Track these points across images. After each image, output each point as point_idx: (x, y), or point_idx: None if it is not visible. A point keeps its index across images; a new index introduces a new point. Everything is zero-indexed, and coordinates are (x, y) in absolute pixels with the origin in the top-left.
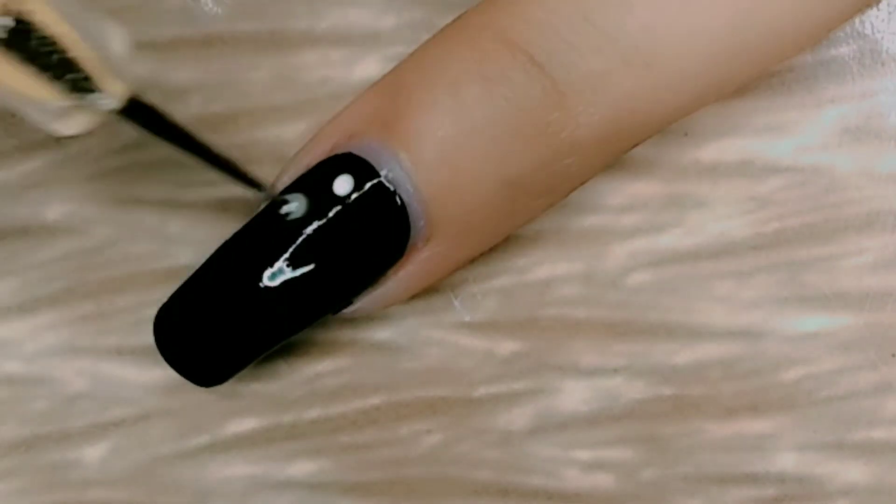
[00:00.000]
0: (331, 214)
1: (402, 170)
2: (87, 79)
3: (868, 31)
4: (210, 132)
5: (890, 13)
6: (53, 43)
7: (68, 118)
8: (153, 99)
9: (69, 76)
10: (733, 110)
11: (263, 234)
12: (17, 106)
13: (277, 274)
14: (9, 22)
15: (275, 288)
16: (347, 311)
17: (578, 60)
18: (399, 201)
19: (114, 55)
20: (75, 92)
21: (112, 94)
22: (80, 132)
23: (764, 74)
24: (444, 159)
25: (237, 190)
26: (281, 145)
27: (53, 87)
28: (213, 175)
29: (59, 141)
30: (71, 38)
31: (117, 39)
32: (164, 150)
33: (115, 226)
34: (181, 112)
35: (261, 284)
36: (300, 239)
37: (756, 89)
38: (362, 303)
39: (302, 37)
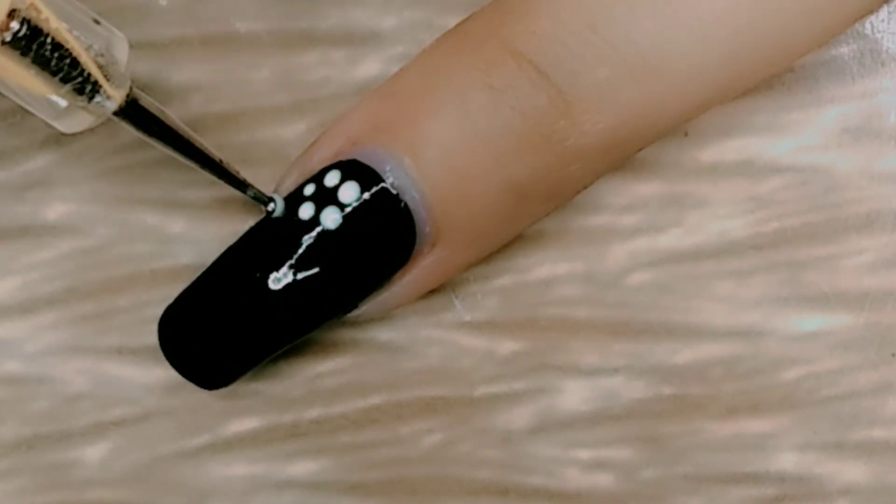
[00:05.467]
0: (336, 221)
1: (407, 176)
2: (90, 82)
3: (868, 31)
4: (210, 132)
5: (890, 13)
6: (60, 47)
7: (71, 117)
8: (154, 98)
9: (73, 79)
10: (733, 110)
11: (269, 238)
12: (24, 103)
13: (283, 278)
14: (19, 27)
15: (280, 292)
16: (353, 314)
17: (584, 70)
18: (405, 208)
19: (116, 60)
20: (78, 94)
21: (112, 97)
22: (81, 130)
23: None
24: (449, 166)
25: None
26: (281, 145)
27: (58, 88)
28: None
29: (60, 141)
30: (76, 44)
31: (120, 46)
32: (166, 150)
33: (116, 225)
34: (181, 112)
35: (266, 288)
36: (306, 244)
37: (756, 89)
38: (368, 307)
39: (303, 37)
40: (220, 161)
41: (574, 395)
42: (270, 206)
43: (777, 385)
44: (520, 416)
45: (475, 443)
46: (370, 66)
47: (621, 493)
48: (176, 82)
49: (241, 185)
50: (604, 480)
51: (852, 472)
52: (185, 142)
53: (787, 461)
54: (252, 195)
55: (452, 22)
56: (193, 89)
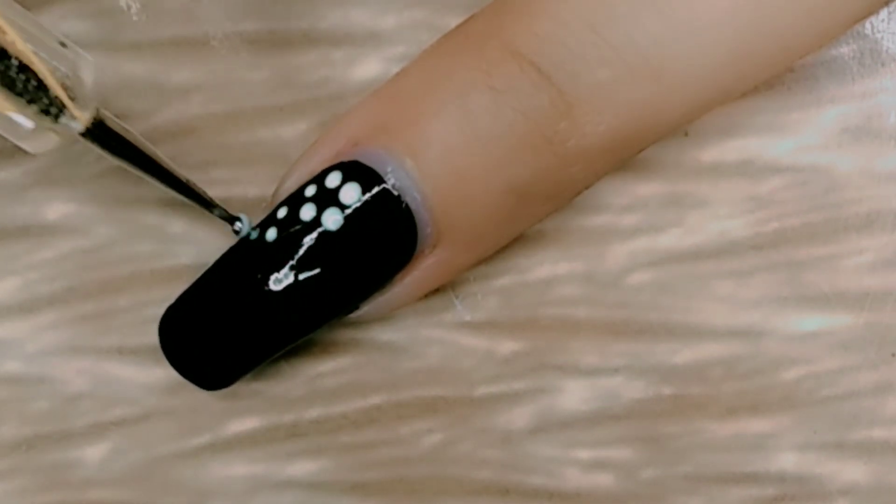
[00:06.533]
0: (338, 222)
1: (408, 178)
2: (55, 104)
3: (868, 31)
4: (210, 132)
5: (890, 13)
6: (26, 70)
7: (37, 138)
8: (154, 98)
9: (39, 100)
10: (733, 110)
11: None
12: None
13: (284, 279)
14: None
15: (281, 293)
16: (353, 315)
17: (586, 71)
18: (406, 209)
19: (83, 82)
20: (45, 115)
21: (78, 119)
22: (47, 150)
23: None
24: (450, 167)
25: (239, 189)
26: (281, 145)
27: (24, 109)
28: (215, 174)
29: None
30: (42, 66)
31: (86, 68)
32: (165, 151)
33: (116, 225)
34: (181, 112)
35: (267, 289)
36: (307, 245)
37: (756, 89)
38: (369, 307)
39: (302, 37)
40: (187, 181)
41: (574, 395)
42: (237, 226)
43: (777, 385)
44: (520, 416)
45: (475, 443)
46: (370, 66)
47: (621, 493)
48: (176, 82)
49: (207, 204)
50: (604, 480)
51: (852, 472)
52: (153, 162)
53: (787, 461)
54: (218, 214)
55: (453, 22)
56: (193, 89)
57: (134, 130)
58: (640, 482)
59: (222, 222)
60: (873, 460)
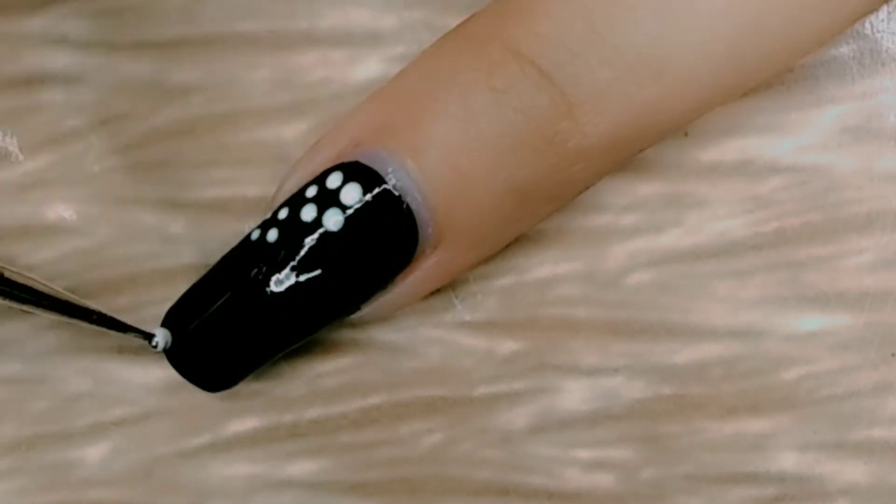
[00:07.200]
0: (339, 223)
1: (409, 178)
2: None
3: (868, 31)
4: (210, 132)
5: (890, 13)
6: None
7: None
8: (153, 99)
9: None
10: (733, 110)
11: (272, 240)
12: None
13: (285, 280)
14: None
15: (282, 294)
16: (355, 316)
17: (586, 71)
18: (407, 209)
19: None
20: None
21: None
22: None
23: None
24: (451, 168)
25: (239, 189)
26: (281, 145)
27: None
28: (215, 174)
29: (60, 141)
30: None
31: None
32: (165, 151)
33: (116, 226)
34: (181, 112)
35: (268, 290)
36: (308, 246)
37: (756, 89)
38: (370, 308)
39: (302, 37)
40: (97, 310)
41: (574, 395)
42: (154, 341)
43: (777, 385)
44: (520, 416)
45: (475, 443)
46: (370, 66)
47: (621, 493)
48: (176, 82)
49: (123, 328)
50: (604, 480)
51: (852, 472)
52: (61, 301)
53: (787, 461)
54: (133, 335)
55: (453, 22)
56: (193, 89)
57: (36, 276)
58: (640, 482)
59: (223, 222)
60: (873, 460)
